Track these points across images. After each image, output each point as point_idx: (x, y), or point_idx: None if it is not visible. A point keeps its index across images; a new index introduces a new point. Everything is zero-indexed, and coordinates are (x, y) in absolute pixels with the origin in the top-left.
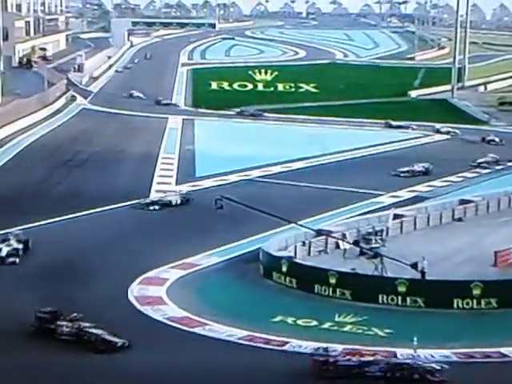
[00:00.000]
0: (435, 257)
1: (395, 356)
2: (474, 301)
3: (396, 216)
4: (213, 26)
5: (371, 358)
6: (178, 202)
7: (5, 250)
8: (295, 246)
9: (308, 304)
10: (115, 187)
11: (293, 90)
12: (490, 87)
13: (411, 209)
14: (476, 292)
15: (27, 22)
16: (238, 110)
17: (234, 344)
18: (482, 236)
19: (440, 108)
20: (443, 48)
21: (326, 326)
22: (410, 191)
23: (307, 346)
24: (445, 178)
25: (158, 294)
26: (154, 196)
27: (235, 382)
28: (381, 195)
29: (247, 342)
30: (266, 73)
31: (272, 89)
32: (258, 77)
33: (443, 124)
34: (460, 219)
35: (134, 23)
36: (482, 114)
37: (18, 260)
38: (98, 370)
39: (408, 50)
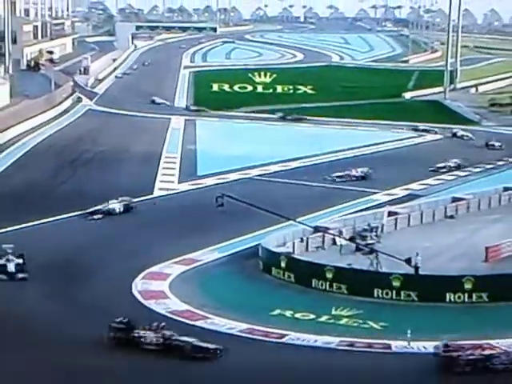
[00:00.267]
0: (428, 252)
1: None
2: (466, 295)
3: (390, 213)
4: (214, 29)
5: (493, 352)
6: (121, 210)
7: (12, 266)
8: (293, 243)
9: (306, 298)
10: (119, 186)
11: (291, 91)
12: (480, 89)
13: (405, 206)
14: (467, 286)
15: (35, 26)
16: (280, 114)
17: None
18: (473, 232)
19: (433, 109)
20: (436, 51)
21: (323, 319)
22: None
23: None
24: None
25: (160, 288)
26: (101, 204)
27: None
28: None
29: (246, 335)
30: (265, 75)
31: (271, 90)
32: (257, 79)
33: (459, 127)
34: (452, 216)
35: (138, 27)
36: (474, 114)
37: (27, 275)
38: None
39: (402, 53)
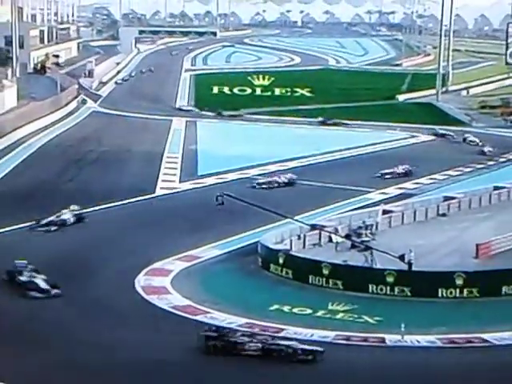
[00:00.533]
0: (421, 249)
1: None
2: (457, 290)
3: (385, 211)
4: (214, 34)
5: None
6: (72, 220)
7: (43, 282)
8: (291, 240)
9: (303, 293)
10: (122, 184)
11: (289, 94)
12: (471, 91)
13: (399, 205)
14: (459, 282)
15: (41, 31)
16: (320, 119)
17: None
18: (465, 230)
19: (426, 110)
20: (428, 55)
21: (320, 313)
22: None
23: None
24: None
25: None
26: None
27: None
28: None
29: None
30: (263, 78)
31: (269, 93)
32: (256, 82)
33: (469, 132)
34: (444, 214)
35: (141, 31)
36: (465, 116)
37: (60, 291)
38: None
39: (396, 56)
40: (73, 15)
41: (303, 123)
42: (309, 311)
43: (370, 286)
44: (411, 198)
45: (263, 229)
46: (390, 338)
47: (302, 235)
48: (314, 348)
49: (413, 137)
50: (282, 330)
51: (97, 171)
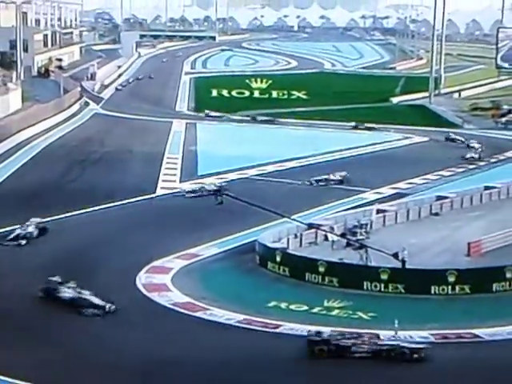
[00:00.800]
0: (414, 248)
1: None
2: (449, 287)
3: (379, 211)
4: (213, 38)
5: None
6: (35, 233)
7: (93, 297)
8: (288, 239)
9: (299, 291)
10: (124, 184)
11: (286, 96)
12: (463, 94)
13: (393, 204)
14: (451, 279)
15: (45, 35)
16: (353, 123)
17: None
18: (457, 229)
19: (419, 113)
20: (421, 59)
21: (316, 310)
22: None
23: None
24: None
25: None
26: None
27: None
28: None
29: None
30: (261, 81)
31: (267, 96)
32: (254, 85)
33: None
34: (437, 214)
35: (142, 36)
36: (457, 118)
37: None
38: None
39: (390, 60)
40: (76, 20)
41: (336, 127)
42: (305, 308)
43: (365, 283)
44: (405, 198)
45: (261, 227)
46: (384, 334)
47: (298, 234)
48: (420, 346)
49: (406, 138)
50: (280, 325)
51: (99, 171)
